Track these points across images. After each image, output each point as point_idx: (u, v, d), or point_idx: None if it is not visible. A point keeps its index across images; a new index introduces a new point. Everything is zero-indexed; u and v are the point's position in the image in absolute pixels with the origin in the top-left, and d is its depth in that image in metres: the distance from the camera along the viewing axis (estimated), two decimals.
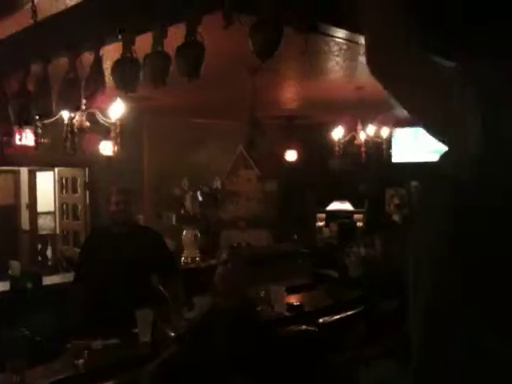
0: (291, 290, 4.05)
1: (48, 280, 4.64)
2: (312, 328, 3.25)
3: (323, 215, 8.29)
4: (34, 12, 2.30)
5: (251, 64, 3.35)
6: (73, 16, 2.14)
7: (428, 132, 1.06)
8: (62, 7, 3.04)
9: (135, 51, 2.11)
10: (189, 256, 5.39)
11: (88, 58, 2.26)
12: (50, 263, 8.80)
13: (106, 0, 2.13)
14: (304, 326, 3.27)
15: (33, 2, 2.32)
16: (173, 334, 3.11)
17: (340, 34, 3.15)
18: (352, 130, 5.88)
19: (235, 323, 2.67)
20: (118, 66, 2.01)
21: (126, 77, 2.03)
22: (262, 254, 5.96)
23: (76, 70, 2.19)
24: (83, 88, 2.21)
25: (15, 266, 4.32)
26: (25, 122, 2.51)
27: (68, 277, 5.05)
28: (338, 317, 3.46)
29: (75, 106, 2.16)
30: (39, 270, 4.73)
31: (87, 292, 3.48)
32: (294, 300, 3.81)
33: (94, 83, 2.15)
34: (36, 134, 3.98)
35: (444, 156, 1.02)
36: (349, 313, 3.48)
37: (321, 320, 3.40)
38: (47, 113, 2.36)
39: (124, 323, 3.18)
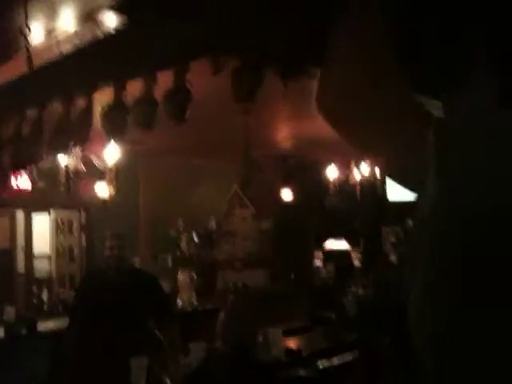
0: (289, 333, 4.00)
1: (43, 326, 4.58)
2: (311, 373, 3.20)
3: (320, 253, 8.27)
4: (30, 60, 2.35)
5: (244, 104, 3.41)
6: (67, 64, 2.19)
7: (392, 179, 1.06)
8: (56, 52, 3.12)
9: (125, 96, 2.15)
10: (185, 299, 5.33)
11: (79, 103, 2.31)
12: (45, 307, 8.70)
13: (98, 49, 2.18)
14: (302, 371, 3.22)
15: (28, 50, 2.36)
16: (169, 382, 3.06)
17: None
18: (347, 168, 5.94)
19: (233, 371, 2.62)
20: (107, 112, 2.05)
21: (115, 122, 2.06)
22: (258, 295, 5.91)
23: (69, 115, 2.23)
24: (74, 132, 2.24)
25: (10, 312, 4.27)
26: (19, 165, 2.53)
27: (63, 322, 4.99)
28: (336, 361, 3.40)
29: (67, 149, 2.19)
30: (34, 316, 4.66)
31: (81, 338, 3.44)
32: (291, 343, 3.76)
33: (86, 128, 2.18)
34: (32, 177, 4.01)
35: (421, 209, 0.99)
36: (348, 356, 3.42)
37: (320, 365, 3.35)
38: (40, 156, 2.38)
39: (119, 370, 3.13)
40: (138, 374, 3.04)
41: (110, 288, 3.59)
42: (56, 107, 2.27)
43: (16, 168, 2.47)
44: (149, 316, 3.59)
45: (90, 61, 2.12)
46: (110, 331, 3.36)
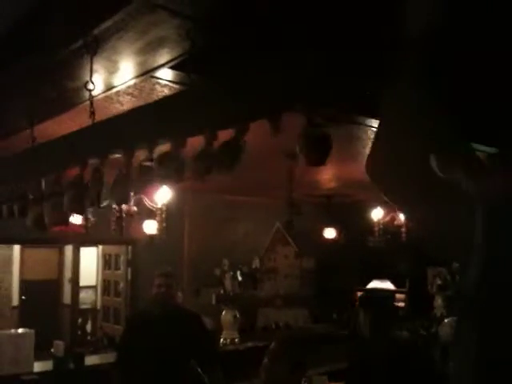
0: (331, 376, 3.96)
1: (90, 360, 4.69)
2: None
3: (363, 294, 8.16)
4: (93, 113, 2.50)
5: (289, 150, 3.50)
6: (129, 119, 2.33)
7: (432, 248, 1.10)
8: (117, 106, 3.31)
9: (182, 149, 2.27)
10: (228, 337, 5.36)
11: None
12: (89, 337, 8.87)
13: (159, 105, 2.31)
14: None
15: (91, 104, 2.52)
16: None
17: (373, 123, 3.27)
18: (392, 210, 5.91)
19: None
20: (163, 160, 2.16)
21: (171, 172, 2.17)
22: (301, 335, 5.87)
23: (130, 166, 2.35)
24: (134, 183, 2.36)
25: (59, 347, 4.39)
26: (78, 211, 2.66)
27: (109, 357, 5.08)
28: None
29: (125, 200, 2.31)
30: (82, 351, 4.77)
31: (126, 377, 3.50)
32: None
33: (145, 181, 2.29)
34: (85, 216, 4.17)
35: (464, 280, 1.03)
36: None
37: None
38: (98, 203, 2.50)
39: None
40: None
41: (156, 326, 3.65)
42: (117, 158, 2.40)
43: (75, 212, 2.60)
44: (193, 356, 3.64)
45: (151, 117, 2.25)
46: (155, 371, 3.40)
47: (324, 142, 1.83)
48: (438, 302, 6.81)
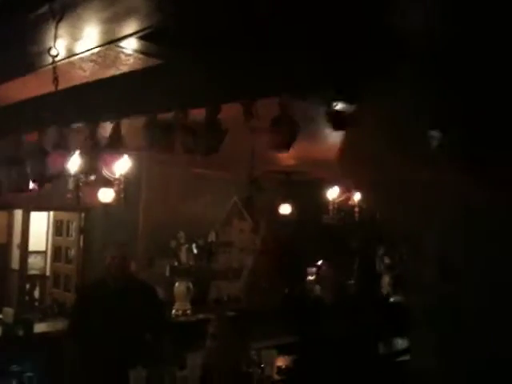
0: (281, 349, 4.06)
1: (39, 327, 4.63)
2: None
3: (314, 269, 8.34)
4: (57, 80, 2.43)
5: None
6: (97, 89, 2.28)
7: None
8: (79, 72, 3.21)
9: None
10: (180, 309, 5.40)
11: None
12: (36, 304, 8.73)
13: (130, 78, 2.27)
14: None
15: (55, 71, 2.44)
16: None
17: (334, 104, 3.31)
18: (347, 190, 6.03)
19: None
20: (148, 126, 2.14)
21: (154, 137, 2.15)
22: (251, 309, 5.97)
23: (96, 137, 2.31)
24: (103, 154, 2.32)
25: (8, 313, 4.33)
26: (41, 180, 2.61)
27: (58, 324, 5.04)
28: None
29: (92, 171, 2.28)
30: (31, 317, 4.71)
31: (79, 347, 3.49)
32: (284, 362, 3.84)
33: (114, 150, 2.27)
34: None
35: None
36: None
37: None
38: (58, 175, 2.46)
39: (117, 381, 3.19)
40: None
41: (110, 297, 3.64)
42: (81, 128, 2.35)
43: (35, 182, 2.54)
44: (145, 327, 3.66)
45: (121, 90, 2.21)
46: (108, 342, 3.41)
47: (292, 131, 1.86)
48: (386, 280, 7.06)
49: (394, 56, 1.10)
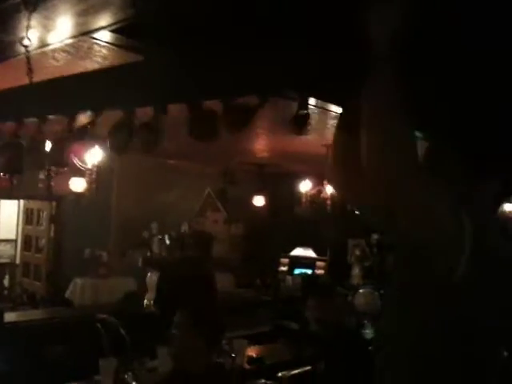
0: (251, 339, 4.12)
1: (9, 317, 4.58)
2: (272, 382, 3.34)
3: (286, 260, 8.43)
4: (31, 71, 2.41)
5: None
6: (74, 83, 2.27)
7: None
8: (51, 62, 3.18)
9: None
10: (152, 299, 5.40)
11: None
12: (5, 292, 8.62)
13: (107, 73, 2.27)
14: (263, 380, 3.36)
15: (29, 61, 2.43)
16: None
17: (312, 101, 3.38)
18: (319, 183, 6.11)
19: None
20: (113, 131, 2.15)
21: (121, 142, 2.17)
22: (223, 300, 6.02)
23: (72, 131, 2.31)
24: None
25: None
26: (14, 172, 2.59)
27: (29, 314, 5.01)
28: (297, 371, 3.55)
29: (63, 164, 2.28)
30: (1, 306, 4.67)
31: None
32: (254, 352, 3.90)
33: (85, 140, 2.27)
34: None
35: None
36: (307, 368, 3.57)
37: (280, 374, 3.49)
38: (37, 167, 2.45)
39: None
40: (106, 376, 3.13)
41: None
42: (54, 120, 2.35)
43: (11, 173, 2.53)
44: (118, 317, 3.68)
45: (98, 84, 2.21)
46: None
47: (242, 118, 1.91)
48: (356, 271, 7.18)
49: (367, 54, 1.13)
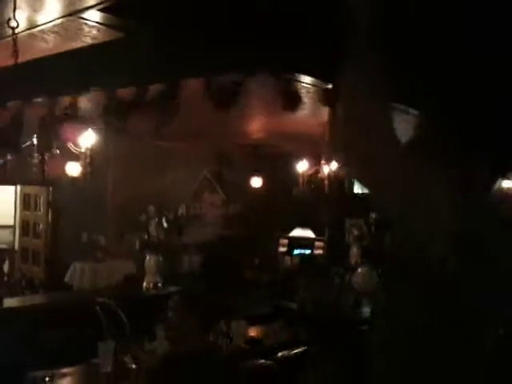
0: (250, 320, 4.13)
1: (8, 303, 4.59)
2: (270, 362, 3.35)
3: (285, 241, 8.44)
4: (16, 53, 2.37)
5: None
6: (57, 63, 2.23)
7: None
8: (41, 44, 3.13)
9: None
10: (150, 282, 5.42)
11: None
12: (5, 278, 8.65)
13: (90, 52, 2.23)
14: (262, 360, 3.37)
15: (15, 43, 2.39)
16: (133, 366, 3.16)
17: (307, 80, 3.34)
18: (316, 163, 6.08)
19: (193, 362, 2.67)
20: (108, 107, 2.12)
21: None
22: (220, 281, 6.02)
23: (54, 113, 2.28)
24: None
25: None
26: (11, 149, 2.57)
27: (28, 299, 5.02)
28: (295, 352, 3.57)
29: (49, 149, 2.25)
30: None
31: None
32: (253, 333, 3.91)
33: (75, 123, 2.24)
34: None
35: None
36: (304, 349, 3.59)
37: (279, 355, 3.51)
38: (18, 149, 2.42)
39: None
40: (104, 358, 3.13)
41: None
42: (40, 102, 2.31)
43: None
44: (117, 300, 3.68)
45: (81, 64, 2.17)
46: None
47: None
48: (354, 251, 7.19)
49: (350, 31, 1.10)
